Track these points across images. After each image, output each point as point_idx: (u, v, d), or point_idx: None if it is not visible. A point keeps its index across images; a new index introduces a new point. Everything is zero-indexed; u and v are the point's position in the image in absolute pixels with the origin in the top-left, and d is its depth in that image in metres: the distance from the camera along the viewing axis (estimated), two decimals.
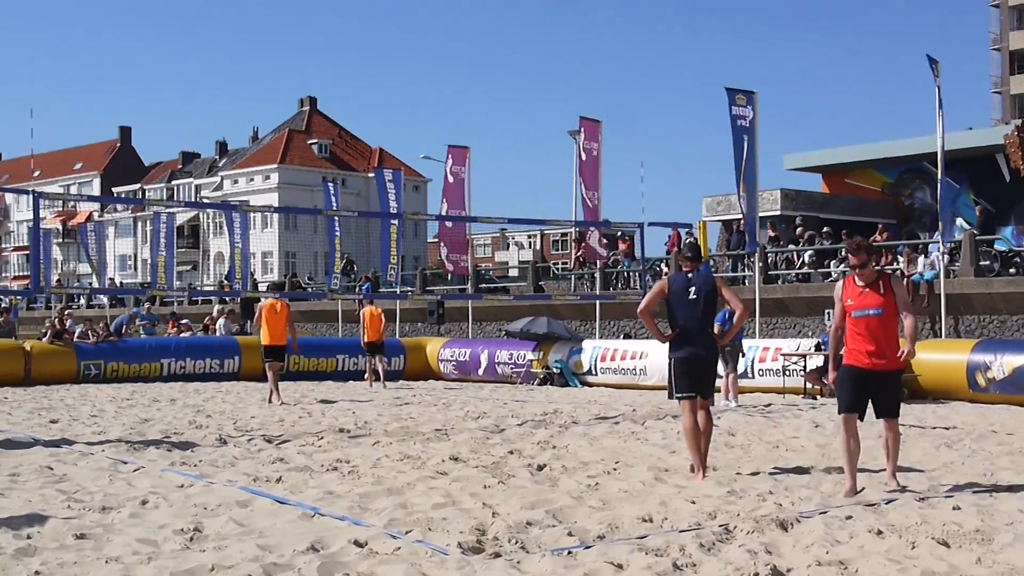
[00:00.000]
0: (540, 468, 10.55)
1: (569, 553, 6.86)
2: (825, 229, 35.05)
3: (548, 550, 6.94)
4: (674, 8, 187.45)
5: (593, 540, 7.25)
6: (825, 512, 8.08)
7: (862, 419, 9.25)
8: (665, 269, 34.50)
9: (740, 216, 38.11)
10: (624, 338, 30.65)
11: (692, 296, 10.21)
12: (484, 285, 45.07)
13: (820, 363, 20.54)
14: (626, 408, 17.87)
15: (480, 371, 27.02)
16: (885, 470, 9.47)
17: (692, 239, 27.61)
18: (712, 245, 37.09)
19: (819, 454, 11.63)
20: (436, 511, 8.23)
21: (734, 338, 18.33)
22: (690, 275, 10.37)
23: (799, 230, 34.75)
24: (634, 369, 23.91)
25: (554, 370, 25.27)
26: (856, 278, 9.22)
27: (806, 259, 33.63)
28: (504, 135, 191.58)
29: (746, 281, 32.56)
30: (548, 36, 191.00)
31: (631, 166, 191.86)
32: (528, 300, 34.24)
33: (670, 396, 10.54)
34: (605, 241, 36.49)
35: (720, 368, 18.71)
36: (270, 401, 19.47)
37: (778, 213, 43.08)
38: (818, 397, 20.10)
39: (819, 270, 33.07)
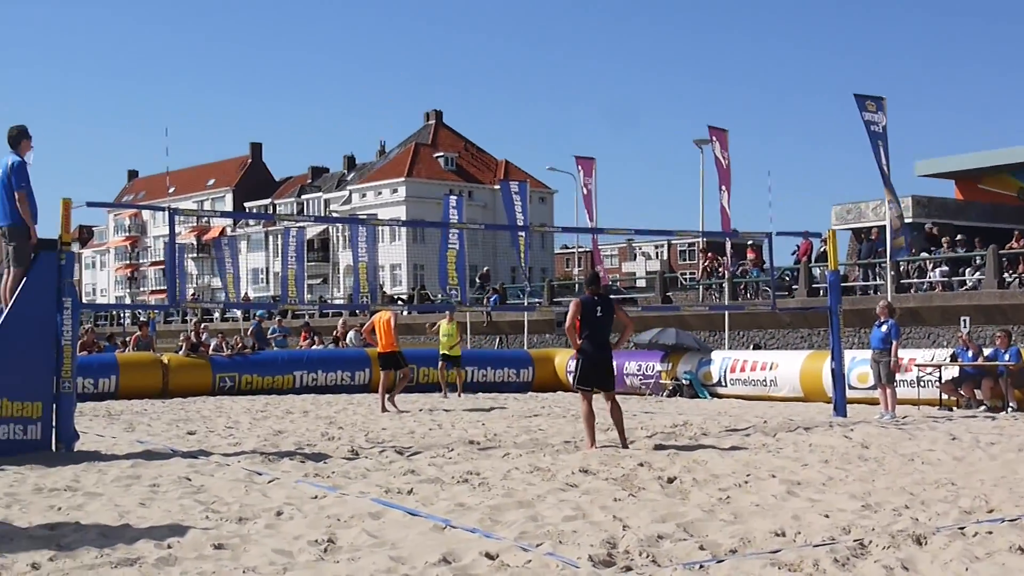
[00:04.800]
0: (670, 481, 10.47)
1: (701, 567, 6.81)
2: (959, 236, 34.31)
3: (679, 564, 6.89)
4: (797, 15, 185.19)
5: (725, 554, 7.17)
6: (963, 528, 7.89)
7: None
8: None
9: (871, 224, 37.63)
10: (754, 349, 30.35)
11: (600, 314, 13.58)
12: (612, 296, 44.97)
13: (956, 374, 20.13)
14: (757, 420, 17.65)
15: None
16: None
17: (823, 248, 27.24)
18: (842, 254, 36.53)
19: (956, 467, 11.38)
20: (566, 524, 8.22)
21: (891, 352, 18.14)
22: (596, 297, 13.71)
23: (939, 236, 33.95)
24: (764, 380, 23.65)
25: (683, 381, 25.11)
26: None
27: (939, 268, 32.92)
28: (629, 145, 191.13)
29: (877, 290, 32.03)
30: (672, 47, 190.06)
31: (758, 176, 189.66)
32: (656, 311, 34.05)
33: (574, 386, 13.86)
34: (732, 251, 36.23)
35: (875, 379, 18.56)
36: (383, 409, 20.38)
37: (909, 220, 42.29)
38: (954, 408, 19.69)
39: (954, 278, 32.38)
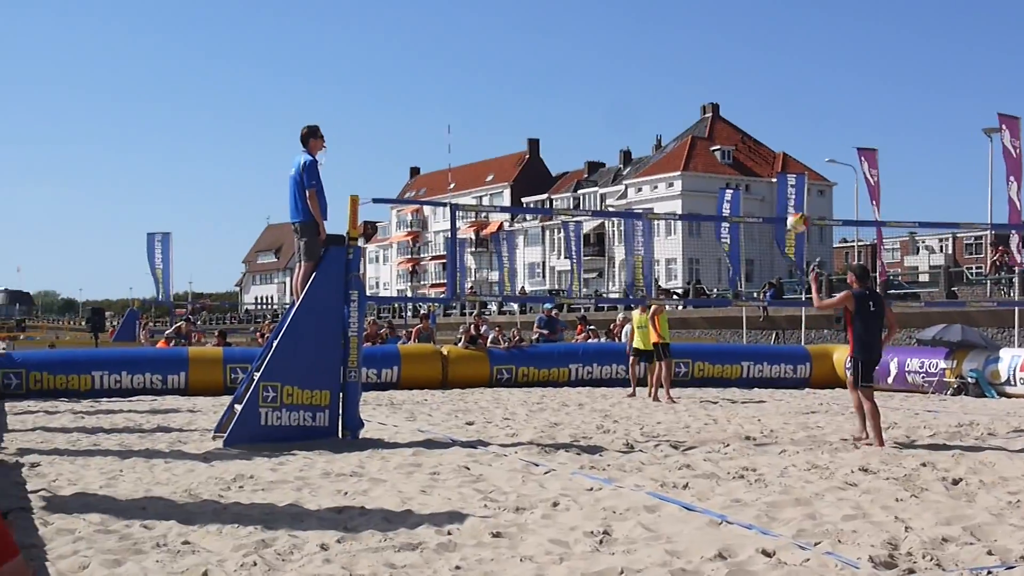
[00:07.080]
0: (956, 482, 10.10)
1: (989, 573, 6.55)
2: None
3: (966, 568, 6.64)
4: None
5: (1016, 560, 6.87)
6: None
7: None
8: None
9: None
10: None
11: (873, 309, 13.12)
12: (892, 291, 43.75)
13: None
14: None
15: (889, 379, 26.19)
16: None
17: None
18: None
19: None
20: (846, 523, 8.04)
21: None
22: (867, 291, 13.28)
23: None
24: None
25: (969, 380, 24.19)
26: None
27: None
28: (912, 135, 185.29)
29: None
30: (958, 29, 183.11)
31: None
32: (940, 307, 32.91)
33: (855, 386, 13.30)
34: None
35: None
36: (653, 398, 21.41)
37: None
38: None
39: None
